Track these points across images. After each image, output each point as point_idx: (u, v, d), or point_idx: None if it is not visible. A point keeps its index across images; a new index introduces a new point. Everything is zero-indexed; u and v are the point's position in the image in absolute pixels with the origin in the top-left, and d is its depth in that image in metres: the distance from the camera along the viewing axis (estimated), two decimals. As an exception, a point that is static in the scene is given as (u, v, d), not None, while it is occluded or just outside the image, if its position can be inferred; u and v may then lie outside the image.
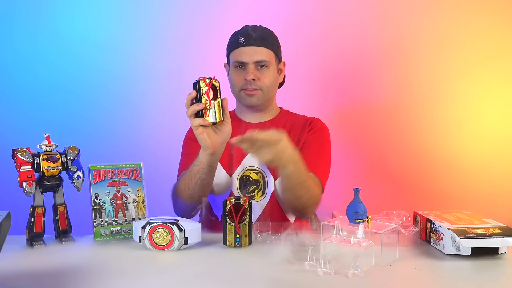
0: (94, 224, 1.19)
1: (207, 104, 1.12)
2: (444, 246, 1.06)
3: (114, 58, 2.02)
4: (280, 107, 1.54)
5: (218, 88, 1.14)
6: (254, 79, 1.38)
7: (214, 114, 1.13)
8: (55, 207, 1.19)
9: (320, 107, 1.93)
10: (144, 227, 1.09)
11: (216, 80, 1.14)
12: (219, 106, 1.14)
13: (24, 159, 1.13)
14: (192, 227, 1.11)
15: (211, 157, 1.19)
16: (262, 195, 1.41)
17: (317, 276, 0.91)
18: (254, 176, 1.41)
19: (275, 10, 2.01)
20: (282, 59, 1.48)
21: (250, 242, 1.14)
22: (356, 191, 1.02)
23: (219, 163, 1.34)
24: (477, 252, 1.02)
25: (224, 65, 1.50)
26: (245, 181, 1.41)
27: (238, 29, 1.44)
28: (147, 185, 1.26)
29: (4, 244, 0.85)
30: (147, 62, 2.03)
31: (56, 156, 1.17)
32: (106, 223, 1.20)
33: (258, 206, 1.40)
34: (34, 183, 1.13)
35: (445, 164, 2.01)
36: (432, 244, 1.12)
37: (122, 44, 2.02)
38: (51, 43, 2.01)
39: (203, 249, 1.12)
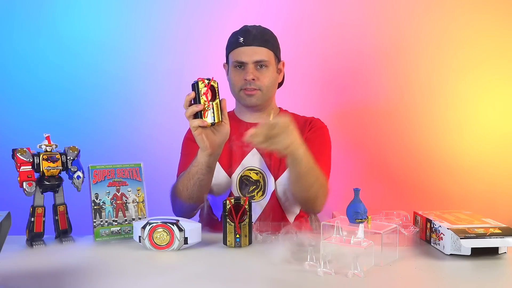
0: (94, 224, 1.19)
1: (206, 105, 1.12)
2: (444, 246, 1.06)
3: (114, 58, 2.02)
4: (279, 107, 1.54)
5: (216, 89, 1.14)
6: (253, 79, 1.38)
7: (212, 115, 1.13)
8: (55, 207, 1.19)
9: (320, 107, 1.93)
10: (144, 227, 1.09)
11: (215, 81, 1.14)
12: (217, 107, 1.14)
13: (24, 159, 1.13)
14: (192, 227, 1.11)
15: (209, 157, 1.19)
16: (262, 195, 1.41)
17: (317, 276, 0.91)
18: (254, 176, 1.41)
19: (275, 10, 2.01)
20: (282, 59, 1.48)
21: (250, 242, 1.14)
22: (356, 191, 1.02)
23: (218, 164, 1.34)
24: (477, 252, 1.02)
25: (223, 65, 1.50)
26: (245, 181, 1.41)
27: (238, 29, 1.44)
28: (147, 185, 1.26)
29: (4, 244, 0.85)
30: (147, 62, 2.03)
31: (56, 156, 1.17)
32: (106, 223, 1.20)
33: (258, 206, 1.40)
34: (34, 183, 1.13)
35: (445, 164, 2.01)
36: (432, 244, 1.12)
37: (122, 44, 2.02)
38: (51, 43, 2.01)
39: (203, 249, 1.12)
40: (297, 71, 1.92)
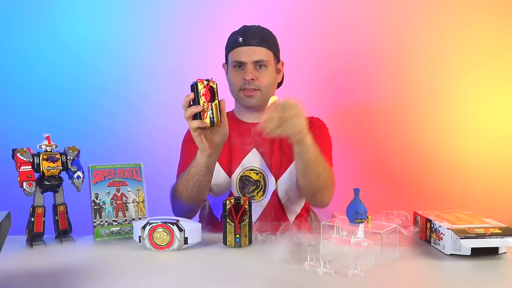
0: (94, 224, 1.19)
1: (205, 106, 1.12)
2: (444, 246, 1.06)
3: (114, 58, 2.02)
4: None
5: (215, 90, 1.14)
6: (252, 79, 1.38)
7: (211, 116, 1.13)
8: (55, 207, 1.19)
9: (320, 107, 1.93)
10: (144, 227, 1.09)
11: (214, 82, 1.14)
12: (216, 108, 1.14)
13: (24, 159, 1.13)
14: (192, 227, 1.11)
15: (208, 158, 1.19)
16: (263, 195, 1.41)
17: (317, 276, 0.91)
18: (254, 176, 1.41)
19: (275, 10, 2.00)
20: (281, 59, 1.48)
21: (250, 242, 1.14)
22: (356, 191, 1.02)
23: (218, 164, 1.34)
24: (477, 252, 1.02)
25: (223, 65, 1.50)
26: (245, 181, 1.41)
27: (237, 29, 1.44)
28: (147, 185, 1.26)
29: (4, 244, 0.85)
30: (147, 62, 2.03)
31: (56, 156, 1.17)
32: (106, 223, 1.20)
33: (259, 206, 1.40)
34: (34, 183, 1.13)
35: (445, 164, 2.01)
36: (432, 244, 1.12)
37: (122, 44, 2.02)
38: (51, 43, 2.01)
39: (203, 249, 1.12)
40: (297, 71, 1.92)
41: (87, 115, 2.02)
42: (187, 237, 1.09)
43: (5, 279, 0.90)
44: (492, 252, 1.03)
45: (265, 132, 1.09)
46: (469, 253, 1.02)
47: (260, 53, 1.39)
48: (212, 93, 1.14)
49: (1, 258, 0.98)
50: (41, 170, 1.15)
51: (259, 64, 1.39)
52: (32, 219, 1.15)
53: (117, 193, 1.22)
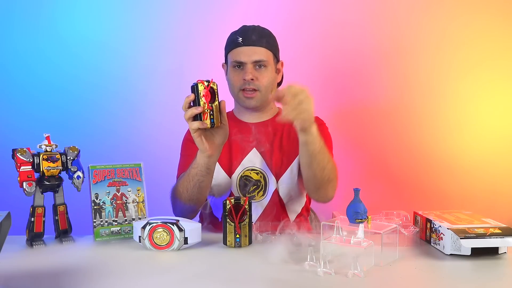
0: (94, 224, 1.19)
1: (205, 108, 1.12)
2: (444, 246, 1.06)
3: (114, 59, 2.02)
4: (278, 107, 1.54)
5: (216, 91, 1.14)
6: (252, 79, 1.38)
7: (212, 117, 1.13)
8: (55, 207, 1.19)
9: (319, 107, 1.91)
10: (144, 227, 1.09)
11: (214, 83, 1.14)
12: (217, 109, 1.14)
13: (24, 159, 1.13)
14: (192, 227, 1.11)
15: (208, 159, 1.19)
16: (263, 195, 1.41)
17: (317, 276, 0.91)
18: (254, 176, 1.41)
19: (274, 10, 2.00)
20: (281, 59, 1.48)
21: (250, 242, 1.14)
22: (356, 191, 1.02)
23: (218, 164, 1.34)
24: (477, 252, 1.02)
25: (222, 65, 1.50)
26: (245, 181, 1.41)
27: (237, 29, 1.44)
28: (147, 185, 1.26)
29: (4, 244, 0.85)
30: (147, 62, 2.03)
31: (56, 156, 1.17)
32: (106, 223, 1.20)
33: (259, 205, 1.40)
34: (34, 183, 1.13)
35: (445, 164, 2.01)
36: (432, 244, 1.12)
37: (122, 44, 2.02)
38: (51, 43, 2.01)
39: (203, 249, 1.12)
40: (297, 71, 1.92)
41: (87, 115, 2.02)
42: (187, 237, 1.09)
43: (5, 279, 0.90)
44: (492, 252, 1.03)
45: (281, 116, 1.09)
46: (469, 253, 1.02)
47: (260, 53, 1.39)
48: (213, 94, 1.13)
49: (1, 258, 0.98)
50: (41, 170, 1.15)
51: (258, 64, 1.39)
52: (32, 219, 1.15)
53: (117, 193, 1.22)
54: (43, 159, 1.15)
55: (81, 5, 2.02)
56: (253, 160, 1.42)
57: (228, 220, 1.12)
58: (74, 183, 1.18)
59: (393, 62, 2.01)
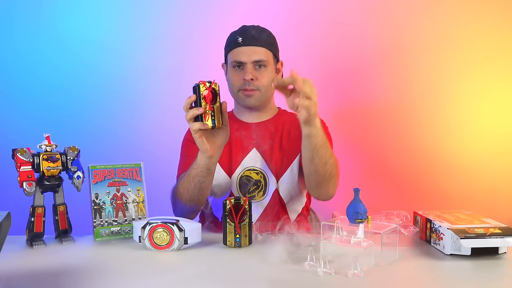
0: (94, 224, 1.19)
1: (207, 109, 1.12)
2: (444, 246, 1.06)
3: (114, 59, 2.02)
4: (278, 107, 1.54)
5: (217, 92, 1.14)
6: (252, 79, 1.38)
7: (213, 118, 1.13)
8: (55, 207, 1.19)
9: (319, 107, 1.91)
10: (144, 227, 1.09)
11: (216, 84, 1.14)
12: (218, 110, 1.14)
13: (24, 159, 1.13)
14: (192, 227, 1.11)
15: (209, 160, 1.19)
16: (263, 195, 1.41)
17: (317, 276, 0.91)
18: (254, 176, 1.41)
19: (274, 10, 2.01)
20: (281, 59, 1.48)
21: (250, 242, 1.14)
22: (356, 191, 1.02)
23: (218, 164, 1.34)
24: (477, 252, 1.02)
25: (222, 65, 1.50)
26: (245, 181, 1.41)
27: (237, 29, 1.44)
28: (147, 185, 1.26)
29: (4, 244, 0.85)
30: (147, 62, 2.03)
31: (56, 156, 1.17)
32: (106, 223, 1.20)
33: (259, 205, 1.40)
34: (34, 183, 1.13)
35: (445, 164, 2.01)
36: (432, 244, 1.12)
37: (122, 44, 2.02)
38: (51, 43, 2.01)
39: (203, 249, 1.12)
40: (297, 71, 1.92)
41: (87, 115, 2.02)
42: (187, 237, 1.09)
43: (5, 279, 0.90)
44: (492, 252, 1.03)
45: (295, 103, 1.11)
46: (469, 253, 1.02)
47: (260, 53, 1.39)
48: (214, 95, 1.13)
49: (1, 258, 0.98)
50: (41, 170, 1.15)
51: (258, 64, 1.39)
52: (32, 219, 1.15)
53: (117, 193, 1.22)
54: (43, 159, 1.15)
55: (81, 5, 2.02)
56: (253, 160, 1.42)
57: (228, 220, 1.12)
58: (74, 183, 1.18)
59: (393, 62, 2.01)
